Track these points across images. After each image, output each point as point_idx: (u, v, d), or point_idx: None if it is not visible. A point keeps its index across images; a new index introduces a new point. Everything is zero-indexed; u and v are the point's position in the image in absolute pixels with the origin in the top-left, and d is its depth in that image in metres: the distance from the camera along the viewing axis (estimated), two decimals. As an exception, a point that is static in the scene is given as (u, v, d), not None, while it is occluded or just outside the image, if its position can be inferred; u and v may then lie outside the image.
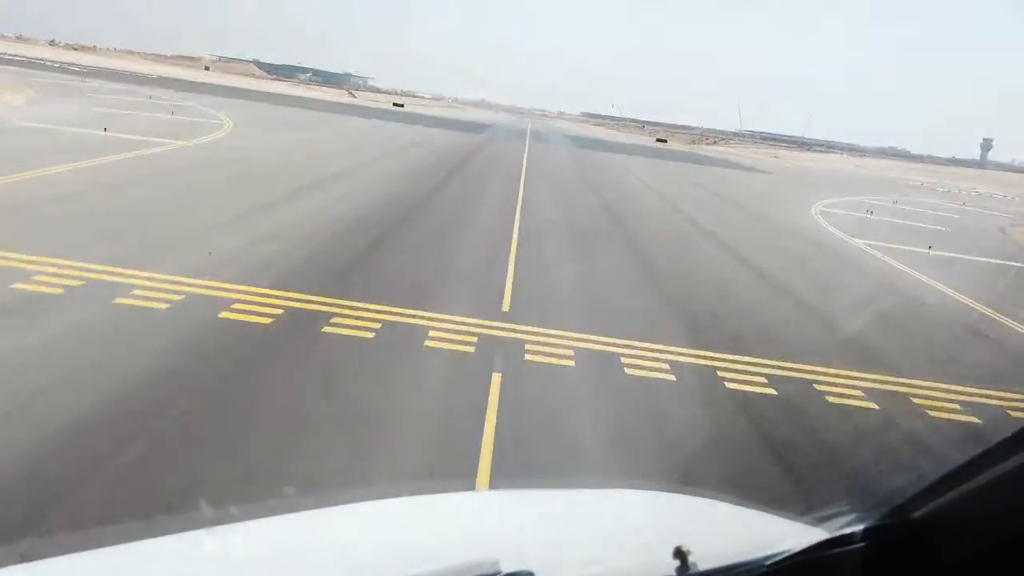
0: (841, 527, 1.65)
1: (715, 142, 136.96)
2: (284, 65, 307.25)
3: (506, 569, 1.38)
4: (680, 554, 1.49)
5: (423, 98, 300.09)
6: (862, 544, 1.61)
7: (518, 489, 3.27)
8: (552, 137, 70.05)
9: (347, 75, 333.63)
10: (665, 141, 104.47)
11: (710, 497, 2.16)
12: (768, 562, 1.58)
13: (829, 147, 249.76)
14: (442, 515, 1.93)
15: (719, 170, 46.30)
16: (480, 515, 2.03)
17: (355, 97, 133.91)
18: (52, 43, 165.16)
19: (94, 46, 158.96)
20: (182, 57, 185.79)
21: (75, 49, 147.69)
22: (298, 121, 38.87)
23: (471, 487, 4.91)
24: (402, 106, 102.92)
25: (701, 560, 1.50)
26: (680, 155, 63.93)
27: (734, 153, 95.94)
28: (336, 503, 1.79)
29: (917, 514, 1.59)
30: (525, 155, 36.17)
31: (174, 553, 1.53)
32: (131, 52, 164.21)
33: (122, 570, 1.46)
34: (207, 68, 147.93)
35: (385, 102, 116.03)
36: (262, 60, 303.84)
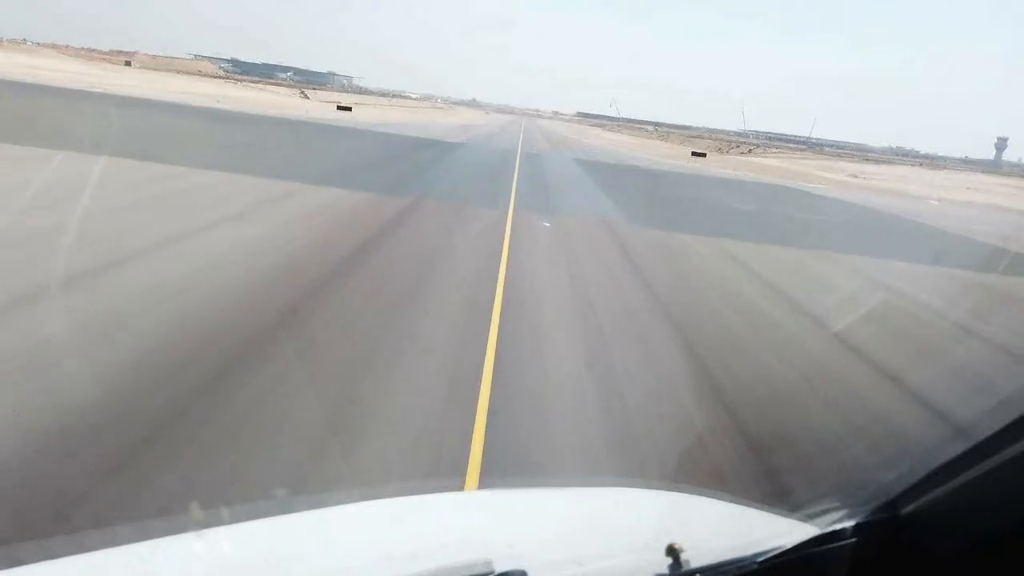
0: (832, 523, 1.62)
1: (750, 151, 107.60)
2: (262, 64, 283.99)
3: (499, 569, 1.34)
4: (672, 551, 1.46)
5: (410, 99, 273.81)
6: (853, 540, 1.59)
7: (510, 488, 3.16)
8: (554, 160, 40.68)
9: (331, 75, 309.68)
10: (704, 155, 74.92)
11: (702, 494, 2.09)
12: (760, 559, 1.55)
13: (838, 148, 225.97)
14: (434, 515, 1.87)
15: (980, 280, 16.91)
16: (472, 515, 1.96)
17: (308, 98, 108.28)
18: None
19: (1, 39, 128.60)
20: (120, 52, 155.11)
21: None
22: None
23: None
24: (349, 109, 73.74)
25: (693, 557, 1.47)
26: (784, 198, 34.45)
27: (799, 172, 66.68)
28: (326, 504, 1.72)
29: (907, 509, 1.57)
30: (497, 300, 7.59)
31: (165, 556, 1.46)
32: (55, 46, 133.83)
33: (113, 574, 1.42)
34: (127, 63, 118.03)
35: (353, 103, 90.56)
36: (240, 59, 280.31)
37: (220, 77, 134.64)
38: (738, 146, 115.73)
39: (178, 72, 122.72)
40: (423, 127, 61.80)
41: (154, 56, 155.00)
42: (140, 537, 1.43)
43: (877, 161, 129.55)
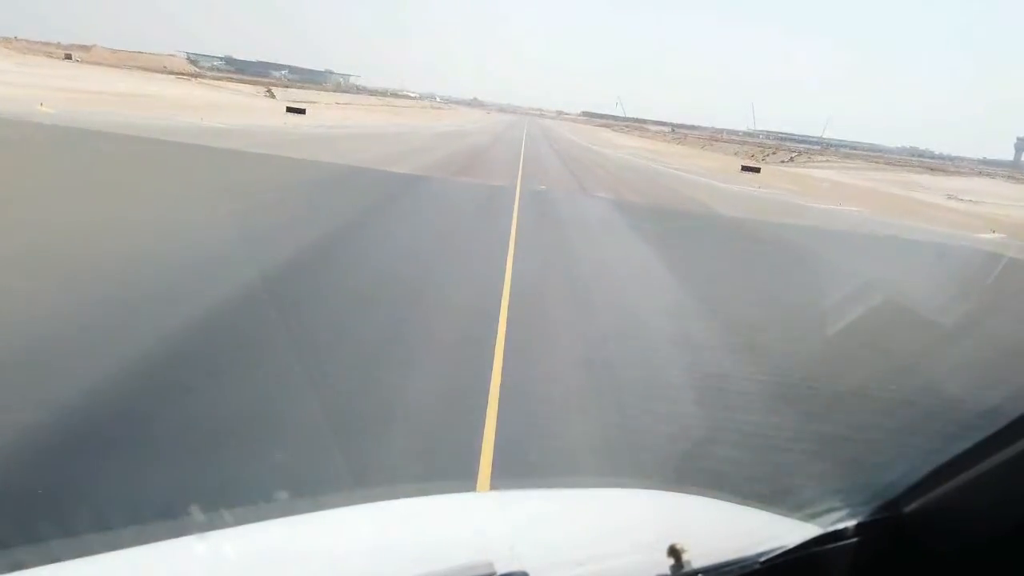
0: (834, 522, 1.59)
1: (791, 159, 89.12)
2: (258, 63, 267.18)
3: (500, 571, 1.31)
4: (674, 552, 1.43)
5: (409, 97, 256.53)
6: (856, 539, 1.56)
7: (512, 490, 3.10)
8: (584, 216, 22.52)
9: (328, 73, 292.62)
10: (758, 170, 56.49)
11: (704, 495, 2.07)
12: (762, 559, 1.51)
13: (852, 149, 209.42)
14: (434, 517, 1.80)
15: None
16: (474, 516, 1.90)
17: (274, 98, 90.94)
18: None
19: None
20: (76, 46, 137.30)
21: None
22: None
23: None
24: (302, 112, 55.85)
25: (695, 558, 1.44)
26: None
27: (894, 197, 48.52)
28: (327, 507, 1.69)
29: (910, 508, 1.53)
30: None
31: (168, 560, 1.43)
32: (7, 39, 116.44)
33: None
34: (68, 56, 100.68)
35: (327, 103, 79.10)
36: (236, 57, 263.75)
37: (178, 73, 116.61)
38: (775, 152, 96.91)
39: (132, 68, 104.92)
40: (383, 139, 43.28)
41: (115, 51, 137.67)
42: (141, 540, 1.39)
43: (907, 166, 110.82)
